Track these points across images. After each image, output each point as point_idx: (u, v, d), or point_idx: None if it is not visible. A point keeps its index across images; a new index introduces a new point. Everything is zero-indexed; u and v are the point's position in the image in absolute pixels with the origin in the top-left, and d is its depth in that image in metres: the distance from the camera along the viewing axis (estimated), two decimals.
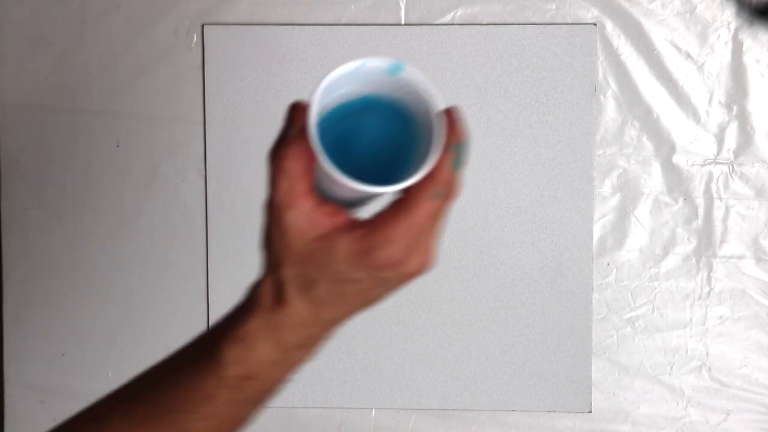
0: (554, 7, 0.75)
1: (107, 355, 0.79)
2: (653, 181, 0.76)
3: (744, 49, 0.75)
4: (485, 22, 0.76)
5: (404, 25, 0.76)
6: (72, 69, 0.78)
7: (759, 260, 0.76)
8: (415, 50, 0.76)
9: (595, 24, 0.75)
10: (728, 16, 0.75)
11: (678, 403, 0.77)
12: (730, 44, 0.75)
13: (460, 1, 0.76)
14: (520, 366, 0.77)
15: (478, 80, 0.76)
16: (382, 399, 0.78)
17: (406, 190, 0.40)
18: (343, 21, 0.76)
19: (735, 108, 0.75)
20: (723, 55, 0.75)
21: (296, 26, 0.76)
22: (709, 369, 0.76)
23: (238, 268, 0.78)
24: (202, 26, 0.77)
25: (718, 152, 0.76)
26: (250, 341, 0.42)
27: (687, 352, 0.77)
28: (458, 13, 0.76)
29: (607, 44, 0.75)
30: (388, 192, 0.40)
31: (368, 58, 0.43)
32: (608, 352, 0.77)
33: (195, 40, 0.77)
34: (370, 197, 0.42)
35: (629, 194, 0.76)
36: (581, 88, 0.75)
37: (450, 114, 0.43)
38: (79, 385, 0.79)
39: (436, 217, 0.42)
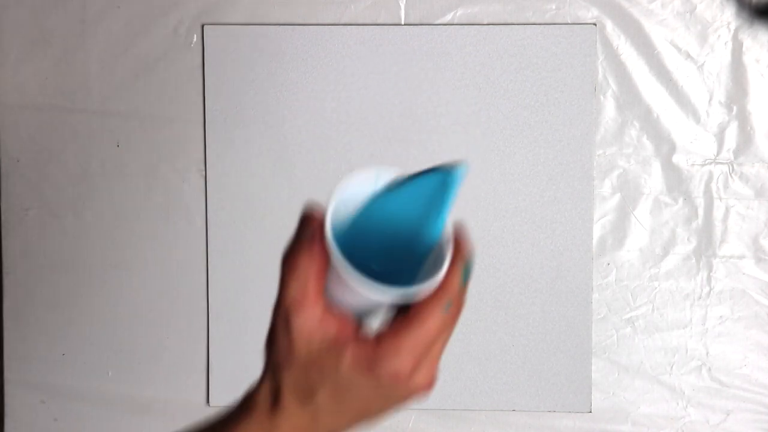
0: (554, 7, 0.75)
1: (107, 355, 0.79)
2: (653, 181, 0.76)
3: (744, 49, 0.75)
4: (485, 22, 0.76)
5: (404, 25, 0.76)
6: (72, 69, 0.78)
7: (759, 260, 0.76)
8: (415, 50, 0.76)
9: (595, 24, 0.75)
10: (728, 16, 0.75)
11: (678, 403, 0.77)
12: (730, 44, 0.75)
13: (460, 1, 0.76)
14: (520, 366, 0.77)
15: (478, 80, 0.76)
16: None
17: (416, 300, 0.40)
18: (343, 21, 0.76)
19: (735, 108, 0.75)
20: (723, 55, 0.75)
21: (296, 26, 0.76)
22: (709, 369, 0.76)
23: (238, 268, 0.78)
24: (202, 26, 0.77)
25: (718, 152, 0.76)
26: None
27: (687, 352, 0.77)
28: (458, 13, 0.76)
29: (607, 44, 0.75)
30: (400, 301, 0.40)
31: (382, 168, 0.43)
32: (608, 352, 0.77)
33: (195, 40, 0.77)
34: (381, 305, 0.42)
35: (629, 194, 0.76)
36: (581, 88, 0.75)
37: (461, 230, 0.43)
38: (79, 385, 0.79)
39: (444, 331, 0.41)
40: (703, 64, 0.75)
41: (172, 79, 0.77)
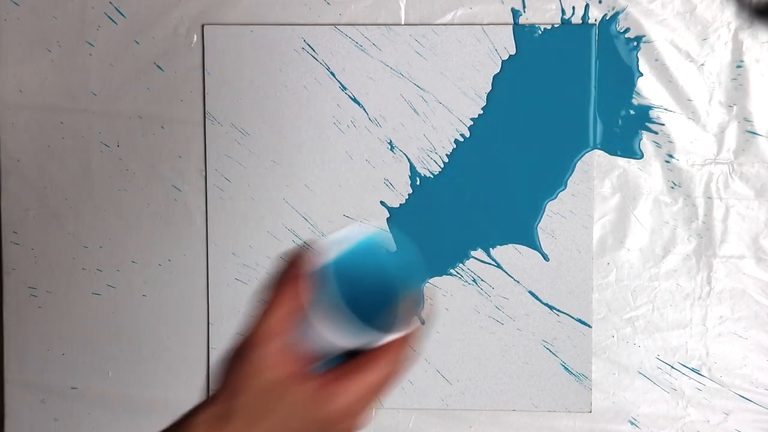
0: (554, 7, 0.75)
1: (107, 355, 0.79)
2: (653, 181, 0.76)
3: (744, 49, 0.75)
4: (485, 22, 0.76)
5: (404, 25, 0.76)
6: (72, 69, 0.78)
7: (759, 260, 0.76)
8: (415, 50, 0.76)
9: (594, 24, 0.75)
10: (728, 16, 0.75)
11: (678, 403, 0.77)
12: (730, 44, 0.75)
13: (460, 1, 0.76)
14: (520, 366, 0.77)
15: (477, 80, 0.76)
16: (382, 399, 0.77)
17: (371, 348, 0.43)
18: (343, 21, 0.76)
19: (735, 108, 0.75)
20: (723, 55, 0.75)
21: (296, 26, 0.76)
22: (709, 369, 0.76)
23: (238, 269, 0.78)
24: (202, 26, 0.77)
25: (718, 152, 0.76)
26: None
27: (687, 352, 0.77)
28: (458, 13, 0.76)
29: (607, 44, 0.75)
30: (366, 345, 0.43)
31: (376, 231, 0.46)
32: (608, 352, 0.77)
33: (195, 40, 0.77)
34: (344, 348, 0.44)
35: (629, 194, 0.76)
36: (581, 88, 0.75)
37: (428, 293, 0.47)
38: (79, 385, 0.79)
39: (390, 380, 0.44)
40: (703, 64, 0.75)
41: (172, 79, 0.77)
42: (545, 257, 0.76)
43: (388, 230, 0.47)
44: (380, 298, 0.46)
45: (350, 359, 0.44)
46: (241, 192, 0.77)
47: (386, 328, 0.43)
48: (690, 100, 0.75)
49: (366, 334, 0.43)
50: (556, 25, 0.75)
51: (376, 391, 0.44)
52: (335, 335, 0.42)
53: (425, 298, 0.46)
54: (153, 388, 0.78)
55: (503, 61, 0.75)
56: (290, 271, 0.44)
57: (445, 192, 0.76)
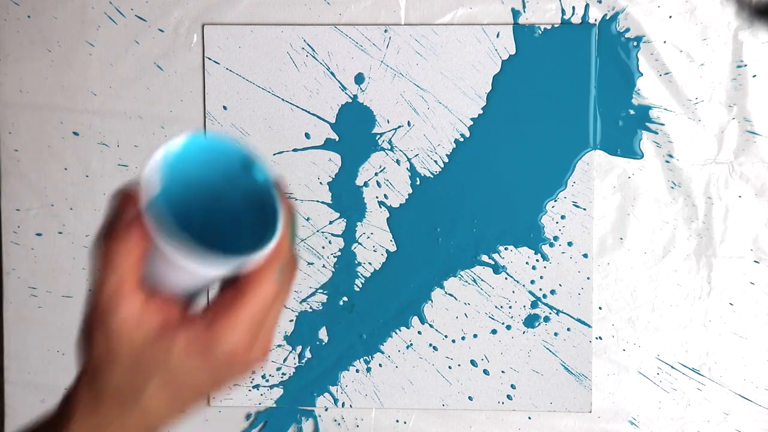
0: (554, 7, 0.75)
1: None
2: (653, 181, 0.76)
3: (744, 49, 0.75)
4: (485, 22, 0.76)
5: (404, 25, 0.76)
6: (72, 69, 0.78)
7: (759, 260, 0.76)
8: (415, 50, 0.76)
9: (595, 24, 0.75)
10: (728, 16, 0.75)
11: (678, 403, 0.77)
12: (730, 44, 0.75)
13: (460, 1, 0.76)
14: (520, 366, 0.77)
15: (477, 80, 0.76)
16: (382, 399, 0.78)
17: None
18: (343, 21, 0.76)
19: (735, 108, 0.75)
20: (723, 55, 0.75)
21: (296, 26, 0.76)
22: (709, 369, 0.76)
23: None
24: (202, 26, 0.77)
25: (718, 152, 0.76)
26: None
27: (687, 352, 0.77)
28: (458, 13, 0.76)
29: (607, 44, 0.75)
30: (233, 272, 0.36)
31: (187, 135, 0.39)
32: (608, 352, 0.77)
33: (195, 40, 0.77)
34: (212, 280, 0.38)
35: (629, 194, 0.76)
36: (581, 88, 0.75)
37: (281, 185, 0.39)
38: None
39: (279, 297, 0.38)
40: (703, 64, 0.75)
41: (172, 79, 0.77)
42: (545, 257, 0.76)
43: (202, 132, 0.39)
44: (236, 208, 0.40)
45: (224, 287, 0.38)
46: None
47: (254, 243, 0.37)
48: (690, 100, 0.75)
49: (233, 256, 0.36)
50: (556, 25, 0.75)
51: (267, 314, 0.37)
52: (198, 266, 0.35)
53: (280, 191, 0.39)
54: None
55: (503, 61, 0.75)
56: (123, 212, 0.37)
57: (445, 192, 0.76)
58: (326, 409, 0.78)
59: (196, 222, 0.39)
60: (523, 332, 0.77)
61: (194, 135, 0.39)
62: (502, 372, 0.77)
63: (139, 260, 0.36)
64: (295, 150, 0.77)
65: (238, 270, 0.37)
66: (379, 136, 0.76)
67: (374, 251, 0.77)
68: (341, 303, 0.77)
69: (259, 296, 0.37)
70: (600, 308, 0.77)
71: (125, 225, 0.36)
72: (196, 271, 0.36)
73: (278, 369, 0.77)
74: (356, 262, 0.77)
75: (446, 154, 0.76)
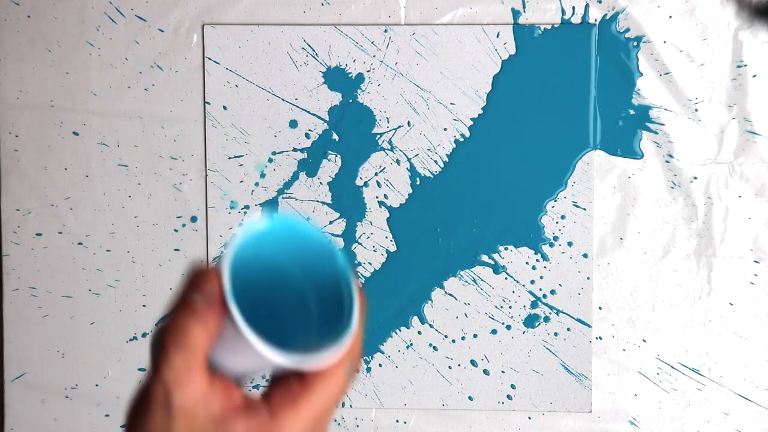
0: (554, 7, 0.75)
1: (107, 355, 0.79)
2: (653, 181, 0.76)
3: (744, 49, 0.75)
4: (485, 22, 0.76)
5: (404, 25, 0.76)
6: (72, 69, 0.78)
7: (759, 260, 0.76)
8: (415, 50, 0.76)
9: (595, 24, 0.75)
10: (728, 16, 0.75)
11: (678, 403, 0.77)
12: (730, 44, 0.75)
13: (460, 1, 0.76)
14: (520, 366, 0.77)
15: (477, 80, 0.76)
16: (382, 399, 0.78)
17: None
18: (343, 21, 0.76)
19: (735, 108, 0.75)
20: (723, 55, 0.75)
21: (296, 26, 0.76)
22: (709, 369, 0.76)
23: None
24: (202, 26, 0.77)
25: (718, 152, 0.76)
26: None
27: (687, 352, 0.77)
28: (458, 13, 0.76)
29: (607, 44, 0.75)
30: (306, 367, 0.36)
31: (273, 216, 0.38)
32: (608, 352, 0.77)
33: (195, 40, 0.77)
34: (276, 368, 0.37)
35: (629, 194, 0.76)
36: (581, 88, 0.75)
37: (358, 286, 0.38)
38: (79, 385, 0.79)
39: (341, 395, 0.37)
40: (703, 64, 0.75)
41: (172, 79, 0.77)
42: (545, 257, 0.76)
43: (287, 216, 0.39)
44: (312, 297, 0.39)
45: (290, 376, 0.37)
46: (242, 192, 0.77)
47: (329, 338, 0.37)
48: (690, 100, 0.75)
49: (308, 349, 0.36)
50: (556, 25, 0.75)
51: (330, 409, 0.37)
52: (274, 354, 0.35)
53: (357, 290, 0.38)
54: None
55: (503, 61, 0.75)
56: (202, 289, 0.36)
57: (445, 192, 0.76)
58: None
59: (273, 308, 0.39)
60: (523, 332, 0.77)
61: (278, 217, 0.38)
62: (502, 372, 0.77)
63: (211, 340, 0.36)
64: (294, 150, 0.77)
65: (311, 363, 0.36)
66: (379, 136, 0.76)
67: (374, 251, 0.77)
68: None
69: (326, 392, 0.36)
70: (600, 308, 0.77)
71: (208, 303, 0.35)
72: (271, 359, 0.35)
73: None
74: (356, 262, 0.77)
75: (446, 154, 0.76)
